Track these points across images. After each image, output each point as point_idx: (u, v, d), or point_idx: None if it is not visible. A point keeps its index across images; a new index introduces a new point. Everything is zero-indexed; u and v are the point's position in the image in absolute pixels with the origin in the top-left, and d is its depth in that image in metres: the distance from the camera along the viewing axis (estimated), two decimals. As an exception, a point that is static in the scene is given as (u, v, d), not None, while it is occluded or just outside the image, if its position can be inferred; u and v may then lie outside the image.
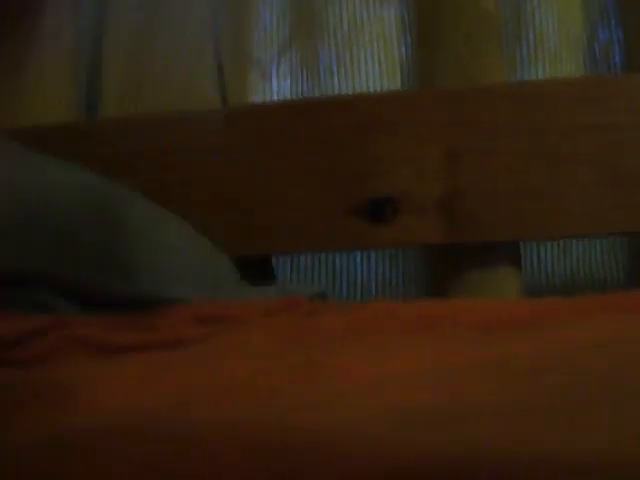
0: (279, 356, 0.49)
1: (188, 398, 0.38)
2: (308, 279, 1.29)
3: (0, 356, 0.52)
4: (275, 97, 1.32)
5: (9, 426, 0.35)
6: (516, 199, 1.12)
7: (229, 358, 0.50)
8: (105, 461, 0.27)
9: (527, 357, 0.46)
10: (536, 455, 0.25)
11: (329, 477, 0.25)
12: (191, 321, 0.63)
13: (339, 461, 0.25)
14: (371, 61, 1.28)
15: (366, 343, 0.57)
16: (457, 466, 0.25)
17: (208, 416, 0.33)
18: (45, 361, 0.53)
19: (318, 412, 0.34)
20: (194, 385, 0.40)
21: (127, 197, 1.00)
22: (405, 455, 0.25)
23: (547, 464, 0.24)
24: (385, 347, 0.53)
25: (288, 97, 1.32)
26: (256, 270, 1.20)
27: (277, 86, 1.32)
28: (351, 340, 0.60)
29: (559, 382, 0.38)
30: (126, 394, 0.39)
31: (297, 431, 0.28)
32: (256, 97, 1.33)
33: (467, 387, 0.38)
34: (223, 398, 0.37)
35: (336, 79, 1.29)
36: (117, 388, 0.40)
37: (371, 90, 1.28)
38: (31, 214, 0.81)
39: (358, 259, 1.29)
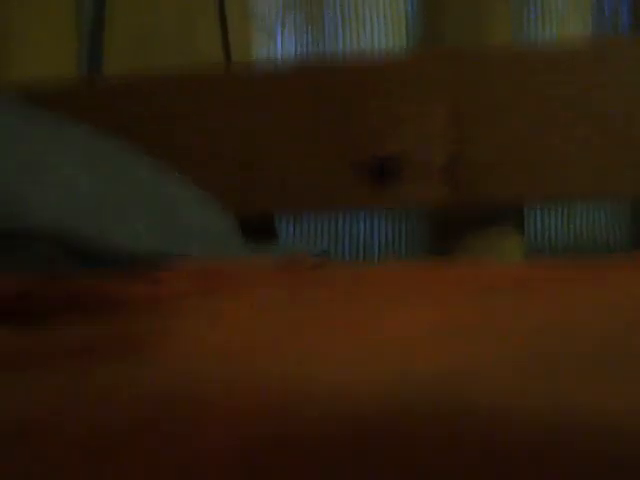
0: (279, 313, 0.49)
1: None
2: (311, 239, 1.29)
3: (1, 311, 0.52)
4: (279, 55, 1.31)
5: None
6: (520, 161, 1.11)
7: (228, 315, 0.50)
8: None
9: (534, 318, 0.46)
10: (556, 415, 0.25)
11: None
12: (192, 276, 0.63)
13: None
14: (377, 18, 1.27)
15: (366, 303, 0.57)
16: (464, 429, 0.24)
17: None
18: (47, 316, 0.53)
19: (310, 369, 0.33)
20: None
21: (128, 153, 1.00)
22: (410, 419, 0.25)
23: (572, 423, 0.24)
24: (385, 308, 0.53)
25: (292, 55, 1.31)
26: (258, 230, 1.20)
27: (281, 44, 1.31)
28: (350, 300, 0.60)
29: (565, 341, 0.38)
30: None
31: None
32: (260, 55, 1.32)
33: (470, 348, 0.38)
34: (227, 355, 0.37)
35: (341, 37, 1.28)
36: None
37: (377, 48, 1.27)
38: (31, 167, 0.81)
39: (361, 220, 1.28)
